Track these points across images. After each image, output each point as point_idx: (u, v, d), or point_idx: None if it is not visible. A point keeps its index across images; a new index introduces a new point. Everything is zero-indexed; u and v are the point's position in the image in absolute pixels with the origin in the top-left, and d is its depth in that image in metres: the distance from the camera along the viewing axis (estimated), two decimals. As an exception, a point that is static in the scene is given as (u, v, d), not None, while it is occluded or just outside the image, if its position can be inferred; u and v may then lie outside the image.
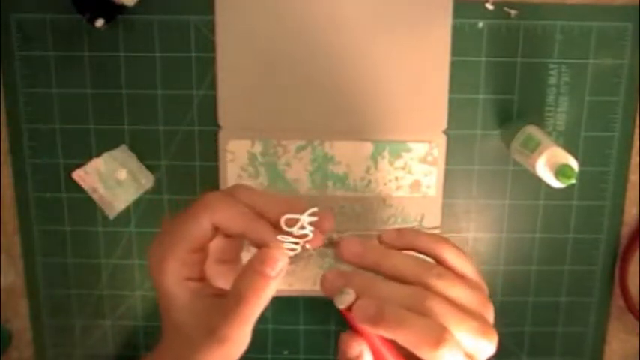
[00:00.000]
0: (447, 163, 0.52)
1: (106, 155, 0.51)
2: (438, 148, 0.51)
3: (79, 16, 0.48)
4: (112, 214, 0.52)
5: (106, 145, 0.52)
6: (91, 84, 0.51)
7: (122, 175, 0.51)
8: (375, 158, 0.51)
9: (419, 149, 0.51)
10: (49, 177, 0.52)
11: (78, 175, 0.51)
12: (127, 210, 0.53)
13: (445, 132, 0.51)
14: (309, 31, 0.49)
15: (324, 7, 0.49)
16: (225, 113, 0.51)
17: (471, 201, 0.53)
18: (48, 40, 0.50)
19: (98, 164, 0.51)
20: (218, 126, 0.51)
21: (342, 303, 0.36)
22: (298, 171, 0.52)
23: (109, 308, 0.55)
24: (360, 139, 0.51)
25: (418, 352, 0.33)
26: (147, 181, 0.52)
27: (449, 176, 0.52)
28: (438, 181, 0.52)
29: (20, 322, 0.56)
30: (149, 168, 0.52)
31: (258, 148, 0.51)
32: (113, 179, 0.51)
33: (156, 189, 0.53)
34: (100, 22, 0.47)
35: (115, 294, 0.55)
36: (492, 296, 0.54)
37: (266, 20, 0.49)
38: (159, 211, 0.53)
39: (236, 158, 0.51)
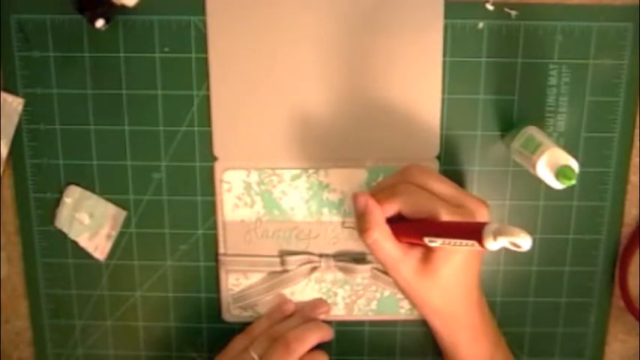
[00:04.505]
0: (447, 163, 0.52)
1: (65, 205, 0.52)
2: None
3: (79, 16, 0.48)
4: (102, 257, 0.53)
5: (106, 145, 0.52)
6: (91, 84, 0.51)
7: (85, 219, 0.52)
8: (369, 184, 0.52)
9: None
10: (49, 177, 0.52)
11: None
12: (127, 210, 0.53)
13: (438, 157, 0.52)
14: (300, 62, 0.50)
15: (315, 37, 0.49)
16: (221, 145, 0.51)
17: (471, 201, 0.53)
18: (48, 40, 0.50)
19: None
20: (215, 157, 0.52)
21: None
22: (294, 199, 0.52)
23: (109, 309, 0.55)
24: (354, 166, 0.51)
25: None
26: (117, 213, 0.53)
27: (448, 176, 0.52)
28: None
29: (20, 322, 0.56)
30: (149, 168, 0.52)
31: (253, 178, 0.51)
32: (81, 226, 0.52)
33: (156, 189, 0.53)
34: (100, 23, 0.47)
35: (115, 294, 0.55)
36: (492, 297, 0.54)
37: (257, 52, 0.50)
38: (159, 211, 0.53)
39: (232, 188, 0.52)
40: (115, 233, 0.53)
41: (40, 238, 0.54)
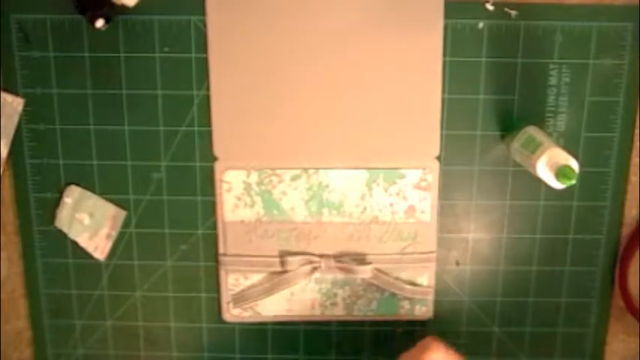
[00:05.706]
0: (447, 163, 0.52)
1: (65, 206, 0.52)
2: (432, 174, 0.52)
3: (79, 16, 0.48)
4: (102, 257, 0.53)
5: (106, 145, 0.52)
6: (91, 84, 0.51)
7: (85, 219, 0.52)
8: (369, 185, 0.52)
9: (413, 175, 0.52)
10: (49, 177, 0.52)
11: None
12: (127, 210, 0.53)
13: (438, 158, 0.52)
14: (301, 62, 0.50)
15: (316, 37, 0.49)
16: (221, 145, 0.51)
17: (471, 201, 0.53)
18: (48, 40, 0.50)
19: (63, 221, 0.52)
20: (215, 157, 0.52)
21: None
22: (294, 199, 0.52)
23: (109, 309, 0.55)
24: (354, 167, 0.52)
25: None
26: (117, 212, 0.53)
27: (448, 176, 0.52)
28: (432, 206, 0.52)
29: (20, 322, 0.56)
30: (149, 168, 0.52)
31: (253, 178, 0.52)
32: (81, 226, 0.52)
33: (156, 189, 0.53)
34: (100, 23, 0.47)
35: (115, 294, 0.55)
36: (492, 297, 0.54)
37: (259, 53, 0.50)
38: (159, 211, 0.53)
39: (232, 188, 0.52)
40: (115, 233, 0.53)
41: (40, 238, 0.54)
